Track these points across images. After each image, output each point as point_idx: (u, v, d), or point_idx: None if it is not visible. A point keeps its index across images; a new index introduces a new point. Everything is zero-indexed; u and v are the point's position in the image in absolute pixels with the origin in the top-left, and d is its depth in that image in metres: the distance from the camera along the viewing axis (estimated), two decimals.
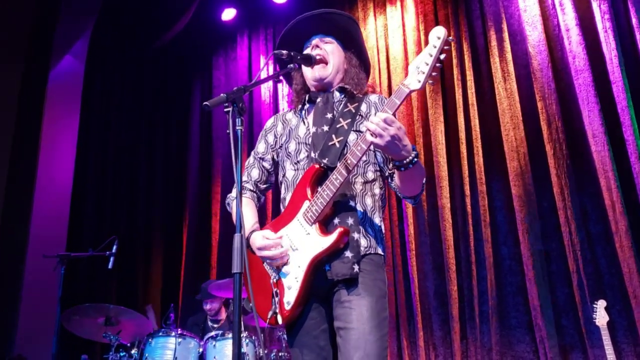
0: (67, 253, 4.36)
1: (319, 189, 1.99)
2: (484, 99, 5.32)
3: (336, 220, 2.03)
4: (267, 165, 2.35)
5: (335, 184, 1.96)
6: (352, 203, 2.08)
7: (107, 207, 6.87)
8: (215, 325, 5.18)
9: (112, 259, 4.25)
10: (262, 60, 7.13)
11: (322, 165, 2.05)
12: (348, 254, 1.97)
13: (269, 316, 2.01)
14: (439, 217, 5.24)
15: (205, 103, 1.89)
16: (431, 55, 1.86)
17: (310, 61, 2.27)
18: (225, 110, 1.90)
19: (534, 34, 5.11)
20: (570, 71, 4.84)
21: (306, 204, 2.02)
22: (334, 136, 2.12)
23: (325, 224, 2.02)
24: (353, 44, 2.34)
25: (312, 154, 2.14)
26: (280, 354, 4.41)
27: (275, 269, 2.06)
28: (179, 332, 4.20)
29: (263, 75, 6.81)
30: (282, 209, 2.22)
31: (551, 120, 4.83)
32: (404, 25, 6.01)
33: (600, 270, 4.41)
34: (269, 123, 2.42)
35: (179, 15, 6.86)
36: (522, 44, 5.19)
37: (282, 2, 6.82)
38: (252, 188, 2.35)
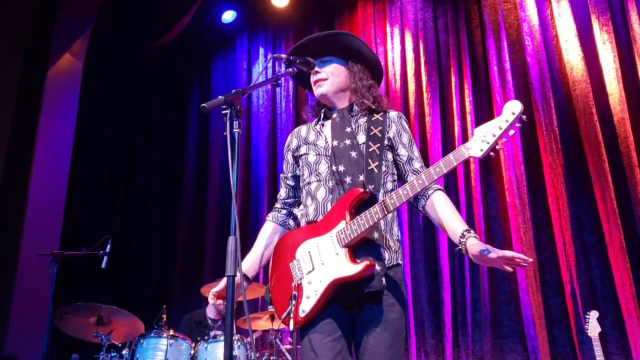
0: (61, 251, 4.33)
1: (358, 217, 2.01)
2: (481, 108, 5.34)
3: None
4: (290, 182, 2.43)
5: (374, 218, 1.97)
6: None
7: (102, 206, 6.86)
8: (215, 325, 5.14)
9: (105, 258, 4.23)
10: (261, 63, 7.14)
11: (368, 191, 2.07)
12: (377, 266, 2.02)
13: (283, 316, 2.08)
14: (434, 224, 5.22)
15: (202, 105, 1.92)
16: (500, 128, 1.88)
17: (309, 65, 2.29)
18: (223, 112, 1.91)
19: (533, 44, 5.13)
20: (568, 82, 4.86)
21: (342, 224, 2.04)
22: (370, 160, 2.15)
23: (354, 249, 2.04)
24: (352, 54, 2.38)
25: (334, 167, 2.18)
26: (272, 358, 4.40)
27: (299, 272, 2.09)
28: (171, 333, 4.18)
29: (261, 78, 6.80)
30: (303, 215, 2.27)
31: (548, 130, 4.85)
32: (403, 33, 6.03)
33: (594, 281, 4.43)
34: (286, 142, 2.50)
35: (179, 16, 6.87)
36: (520, 54, 5.21)
37: (283, 5, 6.84)
38: (279, 206, 2.45)
